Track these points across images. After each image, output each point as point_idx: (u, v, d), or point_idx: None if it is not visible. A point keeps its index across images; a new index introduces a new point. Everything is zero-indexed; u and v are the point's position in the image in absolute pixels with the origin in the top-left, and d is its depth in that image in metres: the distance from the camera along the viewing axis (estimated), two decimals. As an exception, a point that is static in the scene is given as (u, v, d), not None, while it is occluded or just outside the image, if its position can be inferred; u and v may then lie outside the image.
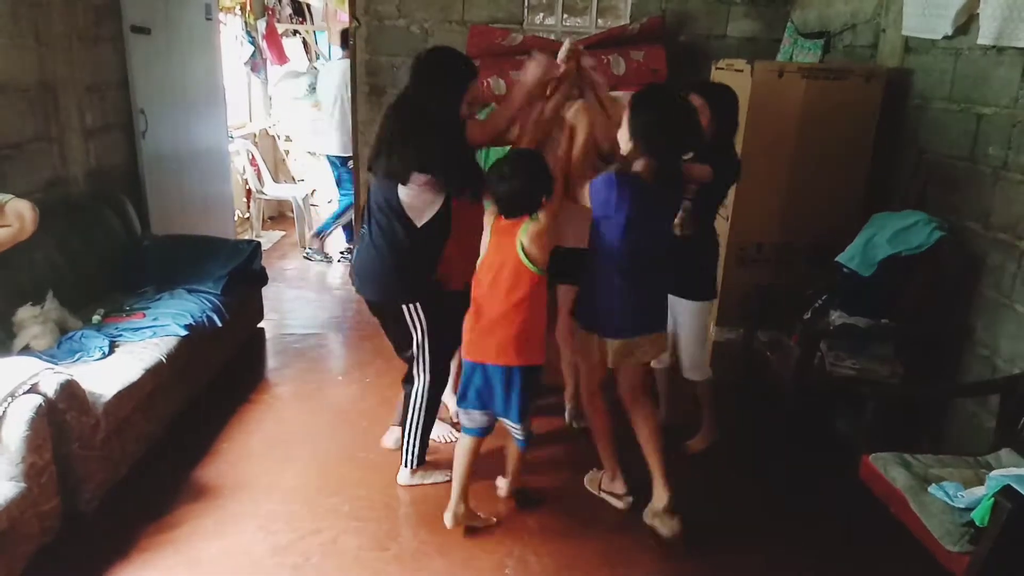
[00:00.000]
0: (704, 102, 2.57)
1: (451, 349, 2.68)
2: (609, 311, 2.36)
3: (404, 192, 2.33)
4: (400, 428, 2.71)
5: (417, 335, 2.51)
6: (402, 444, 2.68)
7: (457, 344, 2.49)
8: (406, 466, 2.68)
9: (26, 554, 2.08)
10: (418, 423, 2.63)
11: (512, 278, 2.25)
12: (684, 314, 2.79)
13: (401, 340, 2.60)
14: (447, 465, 2.63)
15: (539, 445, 2.85)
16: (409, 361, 2.62)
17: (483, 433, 2.44)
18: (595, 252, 2.34)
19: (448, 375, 2.78)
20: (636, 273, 2.31)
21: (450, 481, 2.51)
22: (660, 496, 2.47)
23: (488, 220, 2.34)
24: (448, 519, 2.41)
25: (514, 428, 2.42)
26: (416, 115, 2.32)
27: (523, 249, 2.21)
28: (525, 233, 2.22)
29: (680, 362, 2.92)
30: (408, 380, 2.66)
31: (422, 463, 2.70)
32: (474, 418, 2.41)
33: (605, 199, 2.21)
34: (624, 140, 2.24)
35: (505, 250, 2.25)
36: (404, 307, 2.46)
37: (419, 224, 2.37)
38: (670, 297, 2.70)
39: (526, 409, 2.37)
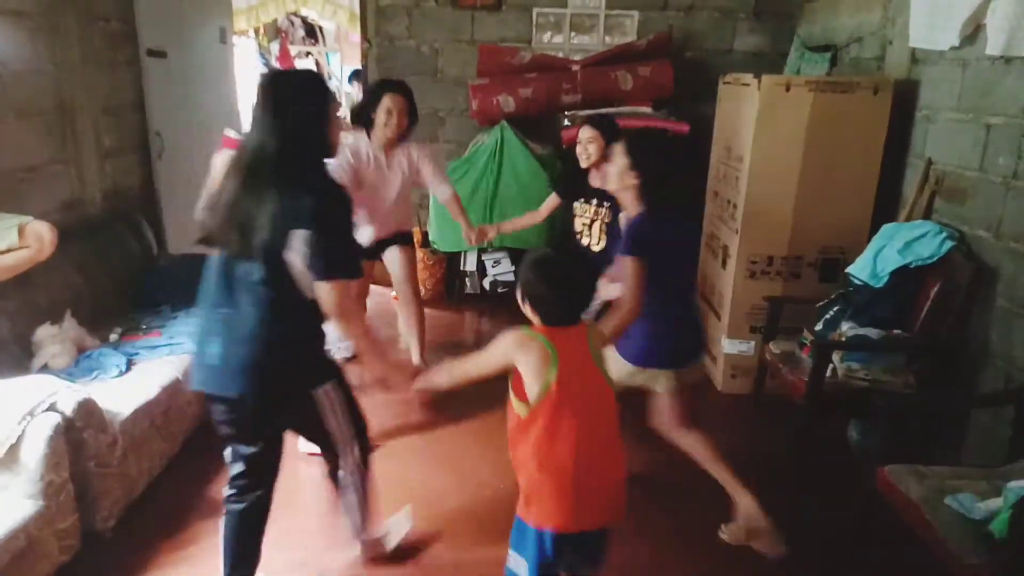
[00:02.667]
0: (597, 133, 3.12)
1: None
2: (680, 339, 2.48)
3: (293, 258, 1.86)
4: (361, 526, 2.30)
5: (334, 418, 2.07)
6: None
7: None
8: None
9: (44, 573, 2.09)
10: (368, 498, 2.25)
11: (604, 401, 1.74)
12: None
13: (316, 435, 2.13)
14: None
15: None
16: (331, 453, 2.17)
17: None
18: (656, 288, 2.30)
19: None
20: (693, 294, 2.59)
21: None
22: (748, 504, 2.43)
23: (528, 348, 1.67)
24: None
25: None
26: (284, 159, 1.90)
27: (599, 360, 1.75)
28: (594, 339, 1.75)
29: None
30: (338, 470, 2.19)
31: None
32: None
33: (657, 233, 2.31)
34: (618, 175, 2.38)
35: (582, 371, 1.70)
36: (316, 394, 2.01)
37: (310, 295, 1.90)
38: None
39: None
